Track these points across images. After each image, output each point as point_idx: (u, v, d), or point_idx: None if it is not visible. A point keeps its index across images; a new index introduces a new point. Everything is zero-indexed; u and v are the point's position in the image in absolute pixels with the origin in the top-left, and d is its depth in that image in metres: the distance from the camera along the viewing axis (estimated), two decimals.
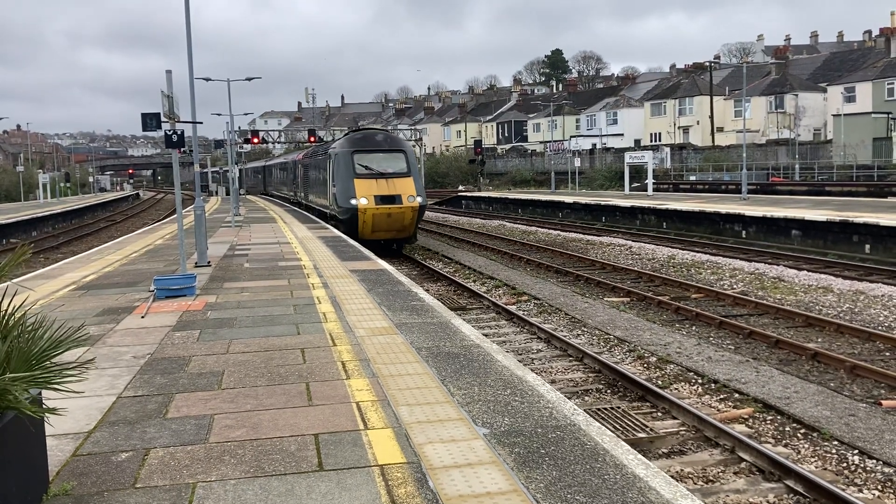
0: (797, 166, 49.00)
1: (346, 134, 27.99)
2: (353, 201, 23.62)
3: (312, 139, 42.88)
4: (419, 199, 24.18)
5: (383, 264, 15.18)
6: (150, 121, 12.68)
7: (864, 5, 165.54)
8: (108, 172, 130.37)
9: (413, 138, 46.93)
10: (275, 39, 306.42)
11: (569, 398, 7.78)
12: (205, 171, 74.47)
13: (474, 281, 19.39)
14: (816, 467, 7.49)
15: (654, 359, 11.42)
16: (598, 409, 8.90)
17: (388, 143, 25.55)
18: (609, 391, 9.99)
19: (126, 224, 47.14)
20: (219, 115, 46.47)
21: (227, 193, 53.73)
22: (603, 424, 5.62)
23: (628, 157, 45.54)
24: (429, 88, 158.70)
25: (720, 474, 7.29)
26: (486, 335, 10.32)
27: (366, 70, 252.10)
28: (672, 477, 6.18)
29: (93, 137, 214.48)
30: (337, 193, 24.84)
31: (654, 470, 4.74)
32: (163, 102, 12.82)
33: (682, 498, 4.33)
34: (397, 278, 13.13)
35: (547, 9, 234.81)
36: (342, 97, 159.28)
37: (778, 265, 19.96)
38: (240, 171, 74.43)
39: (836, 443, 8.08)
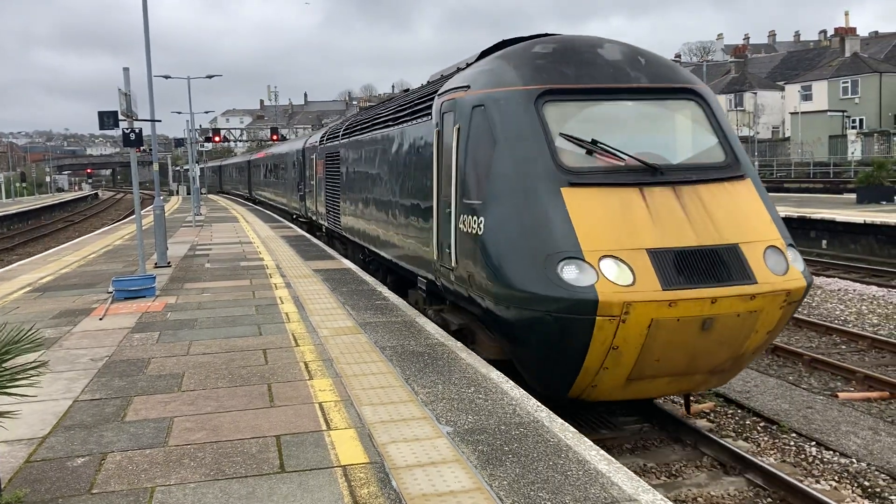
0: (756, 163, 49.87)
1: (492, 48, 9.21)
2: (571, 273, 6.51)
3: (275, 137, 42.60)
4: (799, 265, 7.13)
5: (347, 263, 15.08)
6: (107, 119, 12.43)
7: (800, 6, 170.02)
8: (65, 172, 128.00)
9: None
10: (229, 41, 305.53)
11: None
12: (176, 168, 73.16)
13: None
14: (776, 460, 7.61)
15: None
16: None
17: (648, 72, 7.93)
18: None
19: (84, 224, 46.27)
20: (179, 113, 46.01)
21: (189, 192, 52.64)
22: (566, 421, 5.64)
23: None
24: (393, 86, 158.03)
25: (682, 469, 7.37)
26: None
27: (325, 69, 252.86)
28: (635, 472, 6.22)
29: (50, 136, 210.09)
30: (487, 237, 7.32)
31: (616, 465, 4.77)
32: (120, 100, 12.58)
33: (644, 493, 4.35)
34: (362, 277, 13.05)
35: (492, 12, 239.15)
36: (305, 95, 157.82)
37: None
38: (217, 168, 72.43)
39: (794, 435, 8.22)
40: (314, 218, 21.97)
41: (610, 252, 6.54)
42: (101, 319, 9.85)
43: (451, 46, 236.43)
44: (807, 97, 57.93)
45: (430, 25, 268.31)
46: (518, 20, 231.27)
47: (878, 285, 15.99)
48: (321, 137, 20.51)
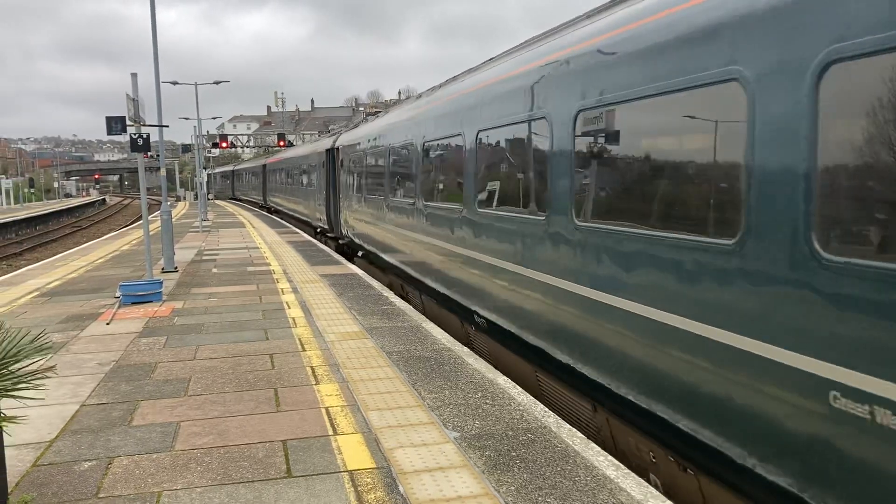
0: None
1: None
2: None
3: (282, 143, 42.66)
4: None
5: (353, 268, 15.09)
6: (114, 124, 12.47)
7: None
8: (73, 178, 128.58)
9: None
10: (227, 52, 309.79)
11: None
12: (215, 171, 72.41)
13: None
14: None
15: None
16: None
17: None
18: None
19: (92, 230, 46.40)
20: (186, 119, 45.94)
21: (197, 198, 51.97)
22: (573, 426, 5.63)
23: None
24: (399, 93, 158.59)
25: None
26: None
27: (321, 78, 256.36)
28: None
29: (58, 142, 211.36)
30: None
31: (624, 471, 4.74)
32: (128, 106, 12.63)
33: (653, 499, 4.32)
34: (368, 282, 13.05)
35: (472, 25, 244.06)
36: (312, 101, 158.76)
37: None
38: (260, 168, 69.08)
39: None
40: None
41: None
42: (108, 324, 9.87)
43: (443, 58, 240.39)
44: None
45: (416, 37, 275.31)
46: (498, 34, 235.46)
47: None
48: None
